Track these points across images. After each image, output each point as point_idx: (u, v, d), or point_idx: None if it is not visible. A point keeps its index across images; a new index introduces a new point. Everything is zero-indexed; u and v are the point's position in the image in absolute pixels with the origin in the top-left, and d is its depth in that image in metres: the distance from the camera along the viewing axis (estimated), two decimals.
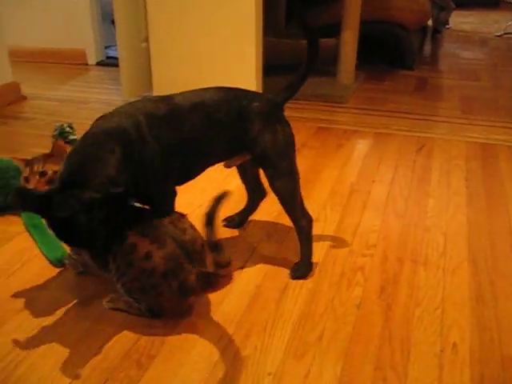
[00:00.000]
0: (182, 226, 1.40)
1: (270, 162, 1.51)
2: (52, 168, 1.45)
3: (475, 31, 5.66)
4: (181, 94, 1.48)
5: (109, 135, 1.29)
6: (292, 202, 1.56)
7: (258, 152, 1.50)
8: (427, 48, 4.78)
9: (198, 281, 1.32)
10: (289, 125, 1.55)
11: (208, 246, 1.28)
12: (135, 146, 1.31)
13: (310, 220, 1.60)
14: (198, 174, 1.53)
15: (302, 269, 1.60)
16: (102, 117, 1.36)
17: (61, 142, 1.49)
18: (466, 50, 4.59)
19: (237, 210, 1.87)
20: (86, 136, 1.30)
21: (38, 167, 1.45)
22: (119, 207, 1.30)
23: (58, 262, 1.58)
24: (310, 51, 1.54)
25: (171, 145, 1.38)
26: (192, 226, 1.43)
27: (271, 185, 1.54)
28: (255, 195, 1.80)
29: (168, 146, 1.37)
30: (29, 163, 1.45)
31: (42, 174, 1.43)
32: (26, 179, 1.45)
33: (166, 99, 1.43)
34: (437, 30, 5.21)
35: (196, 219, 1.87)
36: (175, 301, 1.36)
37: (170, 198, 1.48)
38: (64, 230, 1.25)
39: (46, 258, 1.63)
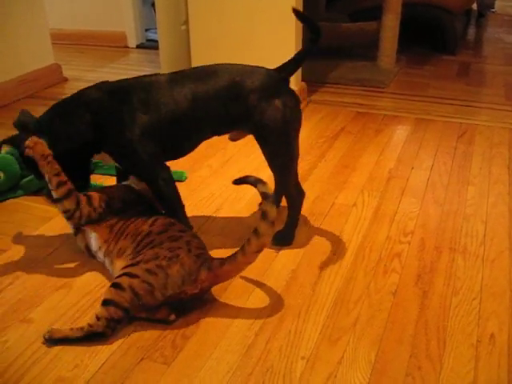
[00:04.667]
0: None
1: (267, 141, 1.53)
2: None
3: None
4: (180, 72, 1.54)
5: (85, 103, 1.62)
6: (286, 180, 1.61)
7: (253, 129, 1.53)
8: (471, 32, 4.65)
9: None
10: (293, 98, 1.54)
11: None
12: (109, 118, 1.52)
13: (302, 195, 1.68)
14: (191, 149, 1.59)
15: (285, 238, 1.64)
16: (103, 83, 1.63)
17: None
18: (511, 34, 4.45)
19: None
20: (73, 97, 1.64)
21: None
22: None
23: None
24: (311, 28, 1.53)
25: (159, 122, 1.47)
26: None
27: (268, 163, 1.58)
28: None
29: (156, 123, 1.47)
30: None
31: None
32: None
33: (155, 79, 1.52)
34: (481, 14, 5.06)
35: (232, 203, 1.89)
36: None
37: (158, 171, 1.52)
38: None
39: None
